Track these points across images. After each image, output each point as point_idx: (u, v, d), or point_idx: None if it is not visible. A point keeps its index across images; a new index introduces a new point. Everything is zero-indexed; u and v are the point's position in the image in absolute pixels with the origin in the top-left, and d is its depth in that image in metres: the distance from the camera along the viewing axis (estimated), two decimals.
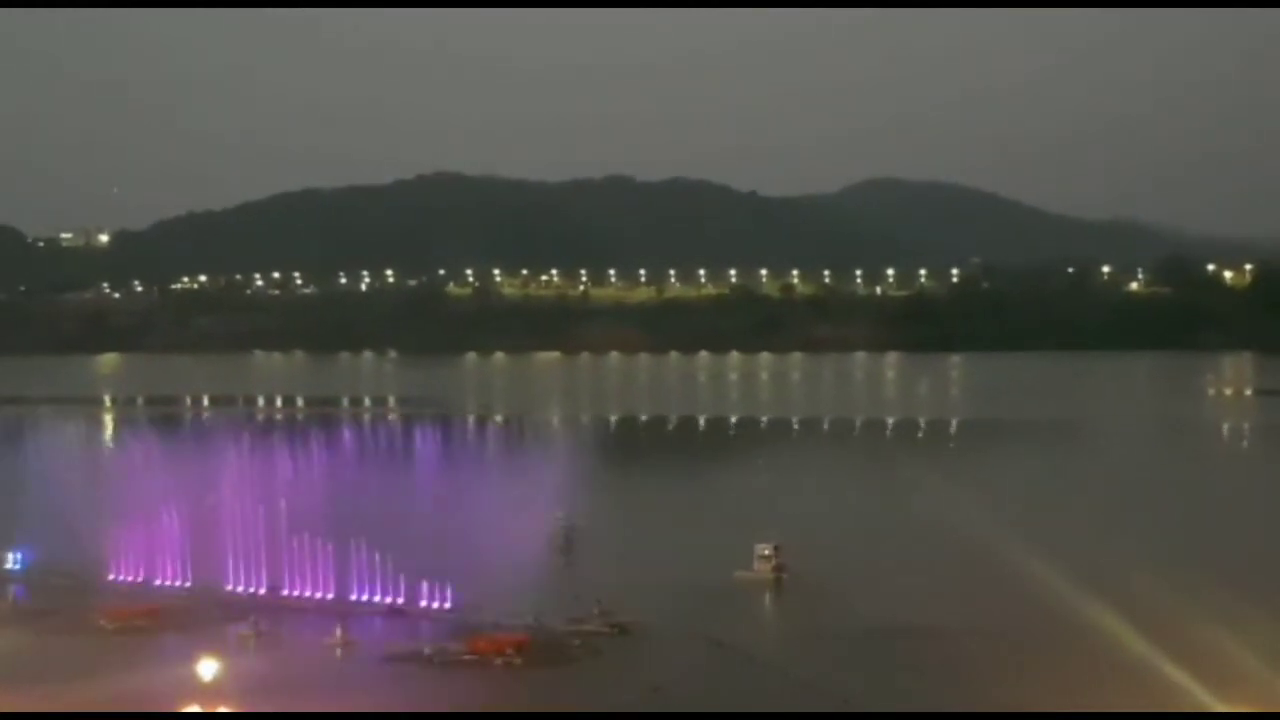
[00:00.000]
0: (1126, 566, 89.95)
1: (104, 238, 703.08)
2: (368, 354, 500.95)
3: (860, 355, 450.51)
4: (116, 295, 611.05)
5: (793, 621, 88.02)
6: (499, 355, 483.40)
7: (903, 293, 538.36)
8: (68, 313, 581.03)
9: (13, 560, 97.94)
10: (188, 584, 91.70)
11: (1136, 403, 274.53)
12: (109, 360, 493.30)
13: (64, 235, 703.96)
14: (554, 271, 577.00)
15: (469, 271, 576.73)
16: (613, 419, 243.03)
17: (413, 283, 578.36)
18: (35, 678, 66.80)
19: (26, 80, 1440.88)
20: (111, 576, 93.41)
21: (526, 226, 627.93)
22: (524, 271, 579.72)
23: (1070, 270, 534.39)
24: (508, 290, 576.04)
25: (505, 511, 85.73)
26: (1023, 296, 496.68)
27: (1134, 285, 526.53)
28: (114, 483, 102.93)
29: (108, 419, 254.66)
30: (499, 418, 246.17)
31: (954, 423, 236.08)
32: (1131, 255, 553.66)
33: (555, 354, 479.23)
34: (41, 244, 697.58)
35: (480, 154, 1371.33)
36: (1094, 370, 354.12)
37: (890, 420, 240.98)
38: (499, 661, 72.92)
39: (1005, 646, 74.54)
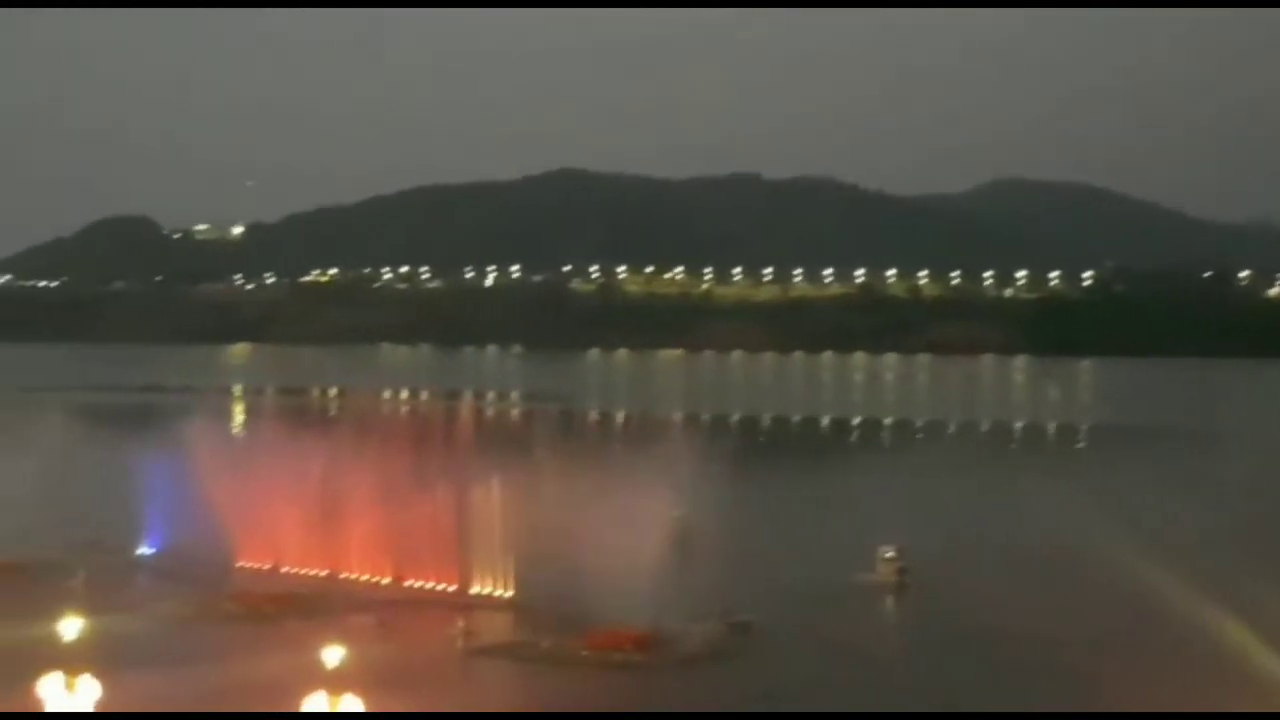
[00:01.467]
0: (1260, 579, 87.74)
1: (237, 230, 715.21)
2: (492, 348, 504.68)
3: (988, 358, 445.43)
4: (249, 287, 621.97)
5: (915, 625, 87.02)
6: (622, 352, 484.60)
7: (1033, 295, 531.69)
8: (201, 303, 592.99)
9: (144, 546, 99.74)
10: (314, 572, 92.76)
11: (1277, 413, 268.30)
12: (240, 350, 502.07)
13: (199, 227, 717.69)
14: (679, 269, 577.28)
15: (594, 268, 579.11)
16: (735, 418, 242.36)
17: (538, 279, 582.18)
18: (162, 661, 67.78)
19: (165, 76, 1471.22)
20: (240, 563, 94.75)
21: (651, 223, 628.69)
22: (648, 269, 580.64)
23: (1207, 274, 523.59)
24: (631, 287, 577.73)
25: (625, 509, 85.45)
26: (1157, 301, 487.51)
27: (1274, 290, 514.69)
28: (243, 471, 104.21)
29: (238, 408, 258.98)
30: (621, 414, 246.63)
31: (1083, 428, 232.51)
32: (1272, 259, 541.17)
33: (678, 352, 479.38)
34: (177, 236, 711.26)
35: (607, 151, 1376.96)
36: (1231, 378, 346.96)
37: (1018, 425, 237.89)
38: (618, 658, 72.84)
39: (1129, 654, 73.13)
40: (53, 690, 44.69)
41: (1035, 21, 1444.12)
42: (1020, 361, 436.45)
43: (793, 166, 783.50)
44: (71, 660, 46.22)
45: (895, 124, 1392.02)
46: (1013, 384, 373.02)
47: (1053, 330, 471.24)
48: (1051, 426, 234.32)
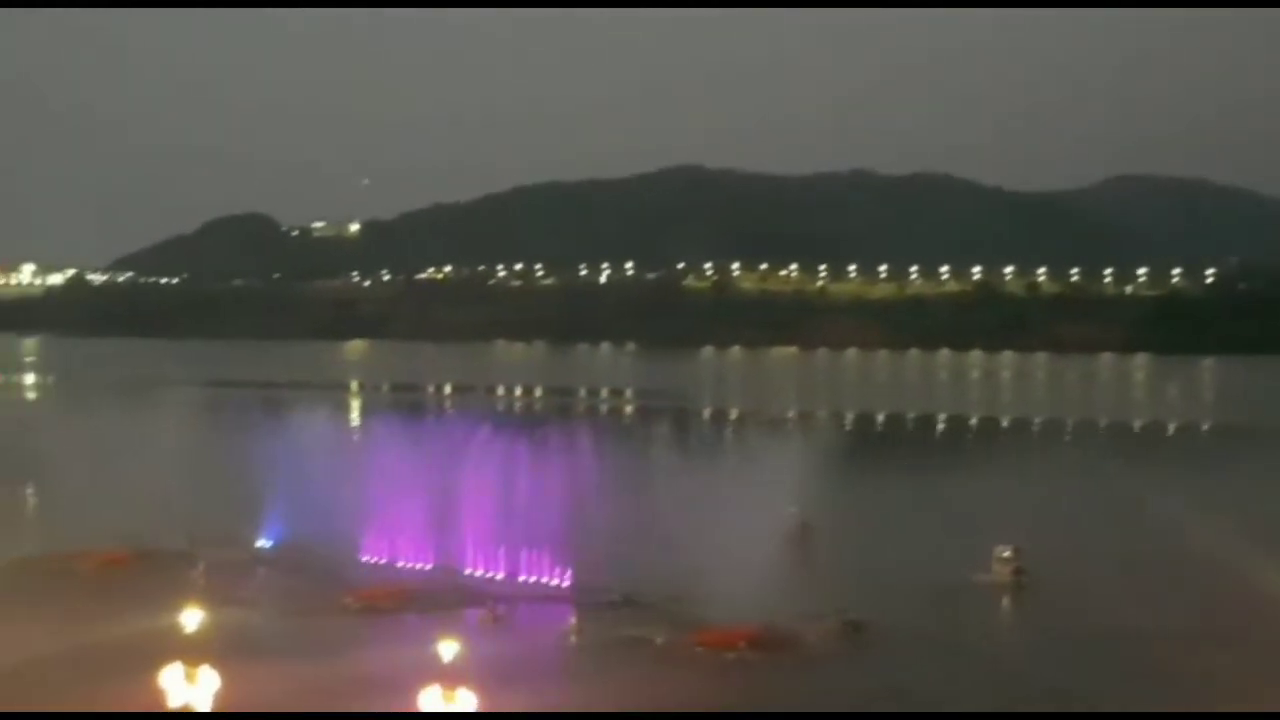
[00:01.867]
0: None
1: (354, 228, 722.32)
2: (606, 345, 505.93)
3: (1108, 356, 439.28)
4: (365, 284, 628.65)
5: (1032, 626, 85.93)
6: (736, 349, 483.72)
7: (1154, 292, 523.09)
8: (318, 300, 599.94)
9: (263, 539, 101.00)
10: (429, 567, 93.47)
11: None
12: (356, 347, 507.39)
13: (316, 225, 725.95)
14: (793, 266, 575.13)
15: (708, 265, 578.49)
16: (849, 416, 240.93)
17: (651, 276, 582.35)
18: (280, 654, 68.62)
19: (283, 78, 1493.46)
20: (357, 557, 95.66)
21: (766, 220, 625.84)
22: (763, 266, 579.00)
23: None
24: (746, 284, 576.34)
25: (739, 506, 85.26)
26: None
27: None
28: (360, 466, 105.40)
29: (355, 404, 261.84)
30: (735, 412, 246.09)
31: (1205, 428, 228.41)
32: None
33: (792, 349, 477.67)
34: (295, 233, 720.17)
35: (721, 148, 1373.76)
36: None
37: (1137, 424, 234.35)
38: (731, 655, 72.56)
39: (1254, 653, 71.61)
40: (173, 680, 45.41)
41: (1159, 19, 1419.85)
42: (1140, 360, 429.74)
43: (909, 163, 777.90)
44: (192, 651, 46.88)
45: (1014, 120, 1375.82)
46: (1133, 383, 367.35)
47: (1174, 328, 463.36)
48: (1172, 426, 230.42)
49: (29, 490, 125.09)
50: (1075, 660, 74.13)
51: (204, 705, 45.66)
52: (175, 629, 50.55)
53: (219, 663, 46.27)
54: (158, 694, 46.10)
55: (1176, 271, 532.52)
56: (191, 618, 49.91)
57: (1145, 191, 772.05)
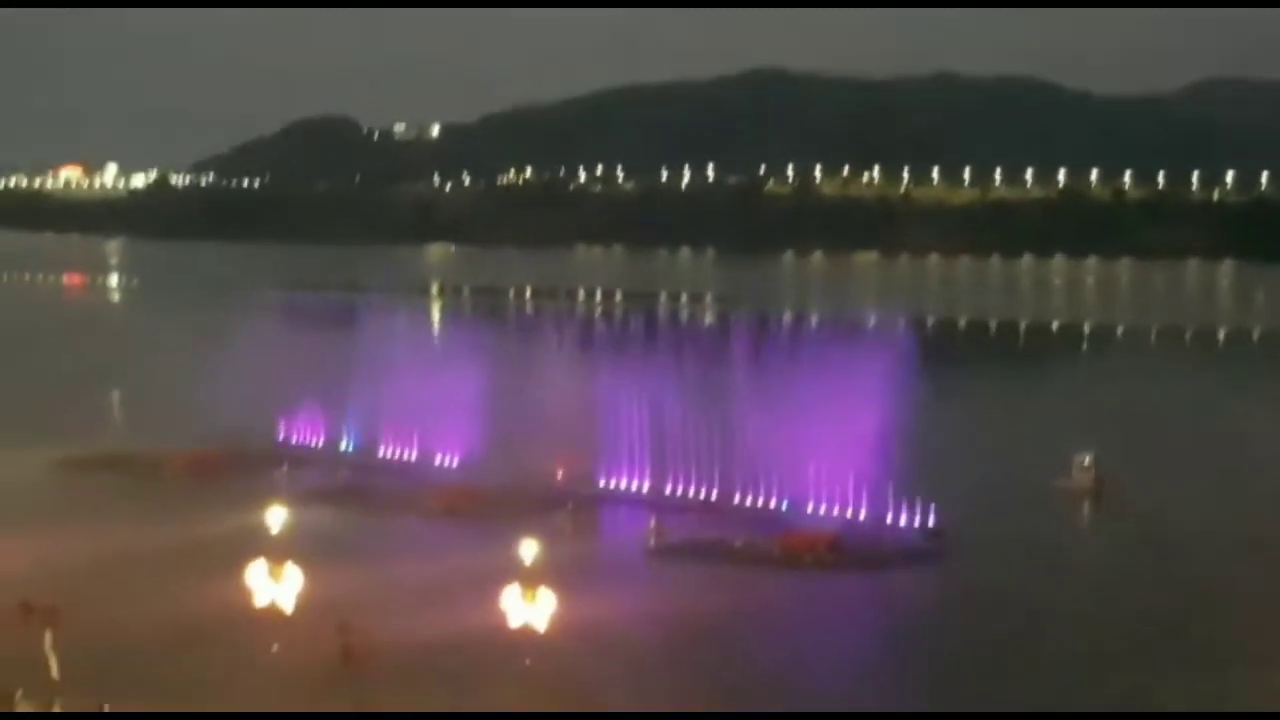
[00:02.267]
0: None
1: (435, 130, 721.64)
2: (686, 250, 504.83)
3: (1193, 263, 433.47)
4: (446, 188, 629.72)
5: (1111, 531, 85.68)
6: (817, 255, 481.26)
7: (1242, 198, 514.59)
8: (398, 204, 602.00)
9: (346, 442, 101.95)
10: (511, 470, 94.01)
11: None
12: (436, 251, 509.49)
13: (397, 127, 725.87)
14: (875, 169, 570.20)
15: (789, 169, 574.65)
16: (931, 322, 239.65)
17: (732, 180, 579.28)
18: (360, 553, 69.68)
19: None
20: (438, 460, 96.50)
21: (849, 124, 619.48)
22: (845, 170, 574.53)
23: None
24: (827, 190, 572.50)
25: (818, 411, 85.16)
26: None
27: None
28: (442, 369, 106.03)
29: (435, 308, 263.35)
30: (815, 318, 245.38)
31: None
32: None
33: (874, 255, 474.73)
34: (376, 135, 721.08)
35: (803, 49, 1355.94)
36: None
37: (1222, 331, 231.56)
38: (808, 559, 72.81)
39: None
40: (257, 577, 46.43)
41: None
42: (1227, 266, 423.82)
43: (994, 65, 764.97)
44: (275, 550, 47.74)
45: (1102, 22, 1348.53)
46: (1218, 289, 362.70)
47: (1262, 234, 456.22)
48: (1257, 334, 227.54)
49: (117, 391, 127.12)
50: (1150, 569, 73.98)
51: (287, 603, 46.58)
52: (260, 527, 51.29)
53: (302, 561, 47.11)
54: (242, 591, 47.06)
55: (1265, 175, 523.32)
56: (275, 516, 50.61)
57: (1237, 95, 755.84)
